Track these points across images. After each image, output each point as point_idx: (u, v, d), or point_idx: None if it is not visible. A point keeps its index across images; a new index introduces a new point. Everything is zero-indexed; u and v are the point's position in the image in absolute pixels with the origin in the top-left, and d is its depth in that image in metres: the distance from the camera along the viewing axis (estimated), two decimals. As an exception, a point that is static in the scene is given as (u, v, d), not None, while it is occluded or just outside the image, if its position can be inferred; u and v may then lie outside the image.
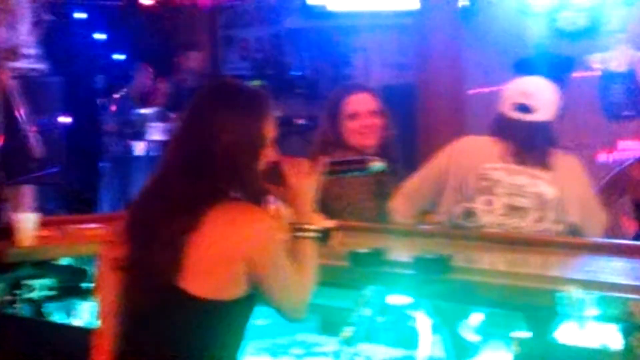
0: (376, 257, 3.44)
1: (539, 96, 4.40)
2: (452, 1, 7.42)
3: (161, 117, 10.30)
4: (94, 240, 4.18)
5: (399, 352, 3.58)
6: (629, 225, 5.84)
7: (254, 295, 2.85)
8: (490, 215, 4.25)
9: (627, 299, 2.77)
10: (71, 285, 4.57)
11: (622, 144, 7.75)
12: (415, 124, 7.18)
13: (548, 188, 4.24)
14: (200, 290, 2.76)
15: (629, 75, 7.62)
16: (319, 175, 3.06)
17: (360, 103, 4.96)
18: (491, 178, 4.26)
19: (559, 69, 8.01)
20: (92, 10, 11.67)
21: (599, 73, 7.78)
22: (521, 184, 4.25)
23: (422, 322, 3.40)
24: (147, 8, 11.28)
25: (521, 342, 3.11)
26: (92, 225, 4.79)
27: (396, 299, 3.40)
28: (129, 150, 10.56)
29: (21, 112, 8.00)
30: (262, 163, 2.93)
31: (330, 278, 3.25)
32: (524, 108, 4.36)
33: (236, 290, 2.80)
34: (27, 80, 8.20)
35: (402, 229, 4.43)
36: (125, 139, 10.65)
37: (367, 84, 7.76)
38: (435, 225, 4.42)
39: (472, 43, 8.29)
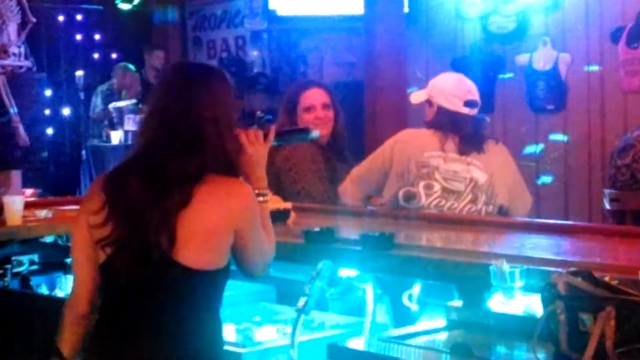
0: (327, 235, 3.44)
1: (477, 93, 4.47)
2: (398, 6, 7.42)
3: (136, 109, 10.24)
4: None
5: (348, 319, 3.58)
6: None
7: (229, 261, 2.83)
8: (429, 197, 4.27)
9: (549, 271, 2.79)
10: (55, 261, 4.55)
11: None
12: (363, 117, 7.19)
13: (480, 173, 4.28)
14: (195, 263, 2.71)
15: (552, 73, 7.66)
16: (269, 143, 3.04)
17: (315, 97, 4.97)
18: (430, 165, 4.29)
19: (490, 67, 8.05)
20: (74, 12, 11.55)
21: (525, 71, 7.81)
22: (456, 170, 4.28)
23: (369, 293, 3.40)
24: (125, 12, 11.20)
25: (455, 310, 3.13)
26: (74, 207, 4.76)
27: (345, 272, 3.40)
28: (107, 139, 10.50)
29: (8, 105, 7.92)
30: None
31: (286, 254, 3.25)
32: (473, 104, 4.42)
33: (224, 259, 2.78)
34: (14, 76, 8.13)
35: (350, 210, 4.44)
36: (104, 129, 10.59)
37: (321, 80, 7.77)
38: (380, 207, 4.43)
39: (415, 44, 8.30)
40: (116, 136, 10.30)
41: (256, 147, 2.98)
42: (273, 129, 3.07)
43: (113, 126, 10.47)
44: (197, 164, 2.75)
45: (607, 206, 6.18)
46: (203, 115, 2.78)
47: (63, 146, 10.35)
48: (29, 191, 7.11)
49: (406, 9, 8.07)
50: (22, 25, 8.21)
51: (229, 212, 2.75)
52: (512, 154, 4.58)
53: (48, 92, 10.36)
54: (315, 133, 3.50)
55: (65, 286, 4.29)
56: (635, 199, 5.98)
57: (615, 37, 7.27)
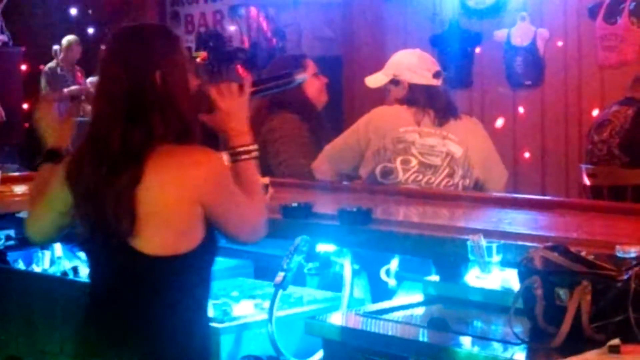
0: (305, 210, 3.44)
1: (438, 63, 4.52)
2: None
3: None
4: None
5: (325, 294, 3.59)
6: None
7: (213, 237, 2.61)
8: (407, 173, 4.27)
9: (526, 246, 2.79)
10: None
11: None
12: (341, 92, 7.18)
13: (456, 147, 4.28)
14: (157, 249, 2.49)
15: (530, 49, 7.67)
16: (248, 95, 2.79)
17: (311, 68, 4.94)
18: (406, 140, 4.28)
19: (468, 43, 8.05)
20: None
21: (504, 47, 7.81)
22: (432, 144, 4.28)
23: (346, 268, 3.41)
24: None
25: (432, 285, 3.14)
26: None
27: (323, 248, 3.40)
28: (84, 115, 10.43)
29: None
30: (192, 89, 2.64)
31: (264, 229, 3.24)
32: (440, 74, 4.43)
33: (195, 237, 2.54)
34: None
35: (328, 185, 4.43)
36: (81, 104, 10.52)
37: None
38: (357, 182, 4.42)
39: (393, 19, 8.29)
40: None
41: (230, 101, 2.73)
42: (248, 78, 2.83)
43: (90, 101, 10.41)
44: (143, 133, 2.50)
45: (584, 181, 6.20)
46: (145, 79, 2.53)
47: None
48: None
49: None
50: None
51: (186, 185, 2.50)
52: (489, 128, 4.58)
53: (24, 67, 10.30)
54: (301, 77, 3.12)
55: (42, 262, 4.27)
56: (612, 174, 6.00)
57: (592, 12, 7.28)
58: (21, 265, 4.33)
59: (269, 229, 2.77)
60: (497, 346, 2.61)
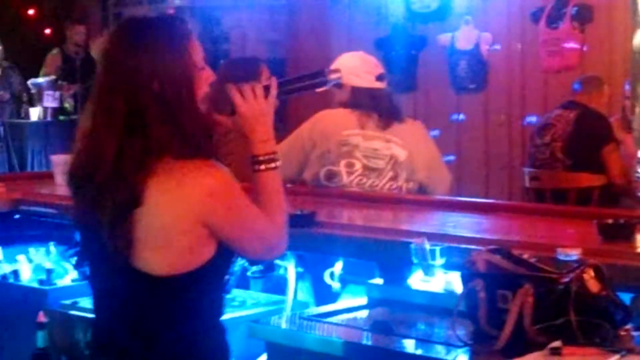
0: (249, 213, 3.42)
1: (381, 66, 4.51)
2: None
3: (54, 86, 10.07)
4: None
5: (269, 297, 3.58)
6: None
7: (225, 253, 2.38)
8: (351, 176, 4.28)
9: (469, 249, 2.81)
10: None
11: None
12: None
13: (400, 150, 4.29)
14: (160, 269, 2.30)
15: (473, 53, 7.72)
16: (273, 98, 2.52)
17: (265, 73, 4.91)
18: (350, 143, 4.29)
19: (413, 46, 8.09)
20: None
21: (448, 51, 7.86)
22: (376, 147, 4.29)
23: (290, 271, 3.40)
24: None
25: (376, 288, 3.14)
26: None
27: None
28: (26, 116, 10.31)
29: None
30: (203, 92, 2.39)
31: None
32: (383, 77, 4.44)
33: (202, 255, 2.33)
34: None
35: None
36: (22, 105, 10.40)
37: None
38: (301, 185, 4.41)
39: (338, 22, 8.30)
40: (35, 113, 10.12)
41: (251, 104, 2.47)
42: (274, 80, 2.55)
43: (32, 102, 10.29)
44: (140, 149, 2.29)
45: (527, 184, 6.25)
46: (141, 89, 2.31)
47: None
48: None
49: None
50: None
51: (186, 206, 2.29)
52: (433, 132, 4.61)
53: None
54: (335, 76, 2.69)
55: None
56: (554, 177, 6.06)
57: (535, 17, 7.35)
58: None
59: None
60: (440, 349, 2.62)
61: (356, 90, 4.38)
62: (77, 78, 9.71)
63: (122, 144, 2.29)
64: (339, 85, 4.42)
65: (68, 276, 4.05)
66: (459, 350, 2.55)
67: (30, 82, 10.32)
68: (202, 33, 9.97)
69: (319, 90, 2.70)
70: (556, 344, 2.36)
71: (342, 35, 8.26)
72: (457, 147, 7.81)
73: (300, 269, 3.44)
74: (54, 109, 9.82)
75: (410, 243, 2.92)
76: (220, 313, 2.47)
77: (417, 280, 3.01)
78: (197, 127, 2.35)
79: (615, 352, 2.36)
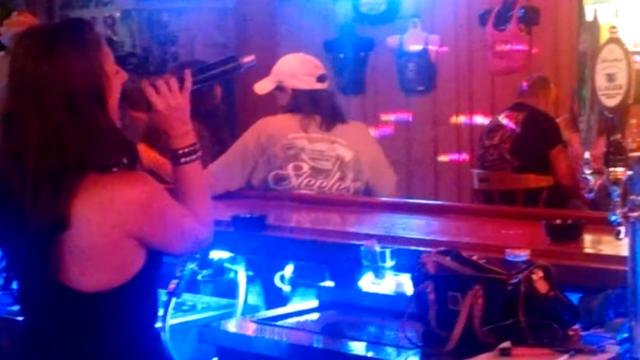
0: (198, 217, 3.40)
1: (322, 66, 4.50)
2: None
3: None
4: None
5: (219, 301, 3.56)
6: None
7: (155, 256, 2.36)
8: (299, 178, 4.28)
9: (419, 251, 2.82)
10: None
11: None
12: (234, 99, 7.15)
13: (345, 151, 4.30)
14: (90, 286, 2.25)
15: (422, 55, 7.75)
16: (188, 91, 2.46)
17: None
18: (296, 146, 4.28)
19: (362, 48, 8.10)
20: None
21: (396, 53, 7.88)
22: (322, 149, 4.29)
23: (240, 275, 3.39)
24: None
25: (326, 290, 3.15)
26: None
27: (217, 254, 3.38)
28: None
29: None
30: (114, 98, 2.33)
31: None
32: (324, 77, 4.43)
33: (132, 268, 2.29)
34: None
35: (221, 192, 4.39)
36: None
37: (193, 61, 7.69)
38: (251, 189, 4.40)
39: (286, 24, 8.29)
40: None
41: (166, 99, 2.41)
42: (188, 72, 2.48)
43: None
44: (57, 166, 2.20)
45: (476, 186, 6.29)
46: (49, 95, 2.22)
47: None
48: None
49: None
50: None
51: (118, 220, 2.24)
52: (382, 134, 4.62)
53: None
54: (249, 59, 2.65)
55: None
56: (503, 179, 6.10)
57: (483, 19, 7.39)
58: None
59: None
60: (390, 351, 2.63)
61: (297, 93, 4.37)
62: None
63: (37, 168, 2.21)
64: (280, 89, 4.43)
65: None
66: (410, 352, 2.56)
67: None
68: (149, 35, 9.93)
69: (234, 74, 2.66)
70: (506, 344, 2.38)
71: (290, 37, 8.25)
72: (406, 149, 7.82)
73: (250, 273, 3.44)
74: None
75: (361, 245, 2.93)
76: (154, 321, 2.46)
77: (367, 283, 3.01)
78: (115, 136, 2.31)
79: (564, 352, 2.39)
